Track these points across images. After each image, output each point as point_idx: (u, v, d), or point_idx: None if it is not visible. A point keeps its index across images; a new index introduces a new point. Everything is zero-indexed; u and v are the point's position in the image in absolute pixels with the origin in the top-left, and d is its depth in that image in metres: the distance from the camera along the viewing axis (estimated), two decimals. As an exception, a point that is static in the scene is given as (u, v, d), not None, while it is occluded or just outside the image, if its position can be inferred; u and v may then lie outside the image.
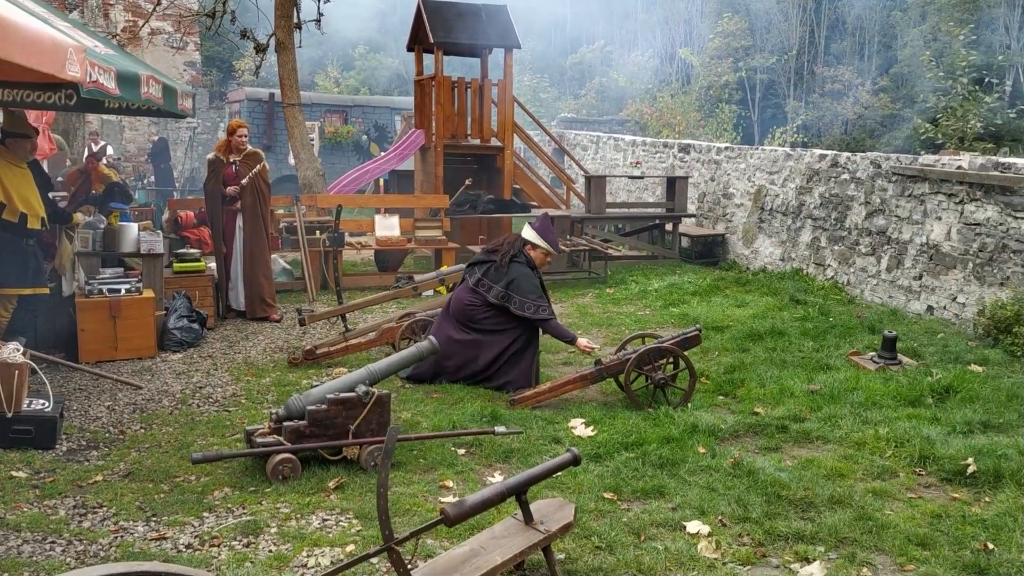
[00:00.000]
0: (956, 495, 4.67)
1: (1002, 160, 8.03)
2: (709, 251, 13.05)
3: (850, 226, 10.00)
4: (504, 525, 3.77)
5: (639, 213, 13.47)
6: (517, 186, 13.51)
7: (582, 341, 6.53)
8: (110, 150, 18.07)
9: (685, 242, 13.28)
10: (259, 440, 4.91)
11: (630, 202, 15.71)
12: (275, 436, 4.94)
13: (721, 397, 6.44)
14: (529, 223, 6.97)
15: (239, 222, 9.00)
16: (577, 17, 45.45)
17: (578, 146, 20.52)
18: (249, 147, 9.16)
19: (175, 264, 8.78)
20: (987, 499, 4.61)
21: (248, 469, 4.96)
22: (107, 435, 5.57)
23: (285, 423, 4.94)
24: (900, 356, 7.06)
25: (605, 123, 26.33)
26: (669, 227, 12.98)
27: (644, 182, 16.06)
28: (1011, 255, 7.63)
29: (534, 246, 6.73)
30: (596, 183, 12.86)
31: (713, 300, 9.66)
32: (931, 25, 30.87)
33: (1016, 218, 7.58)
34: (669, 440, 5.35)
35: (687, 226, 13.43)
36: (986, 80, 19.66)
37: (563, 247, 11.03)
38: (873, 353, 7.16)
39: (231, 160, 8.96)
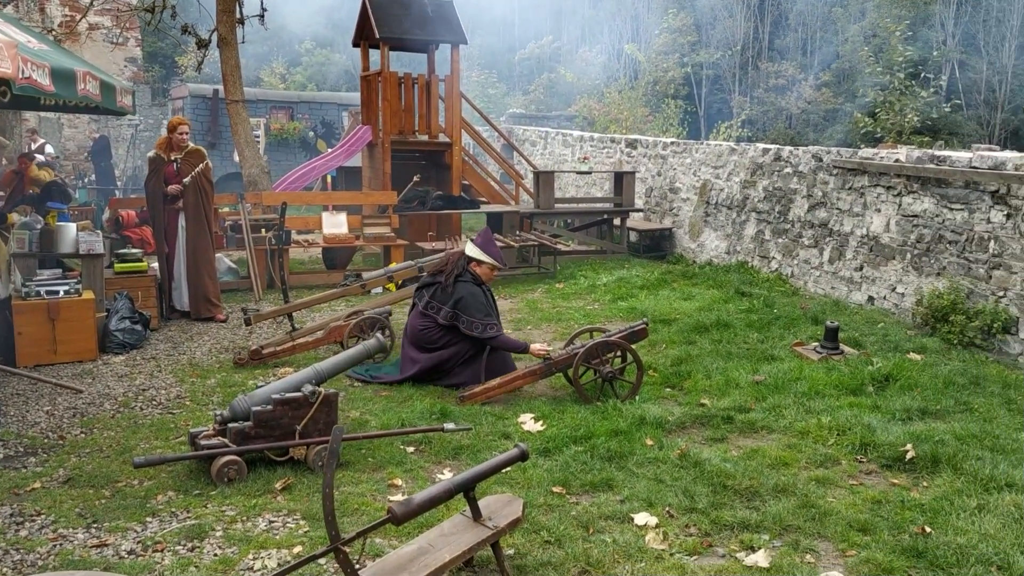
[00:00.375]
0: (896, 481, 4.79)
1: (937, 153, 8.23)
2: (657, 245, 13.18)
3: (793, 219, 10.18)
4: (452, 522, 3.77)
5: (587, 208, 13.54)
6: (466, 182, 13.49)
7: (535, 347, 6.51)
8: (49, 148, 17.62)
9: (633, 236, 13.40)
10: (204, 442, 4.83)
11: (579, 197, 15.79)
12: (220, 438, 4.87)
13: (668, 389, 6.50)
14: (471, 240, 6.95)
15: (181, 221, 8.84)
16: (525, 13, 45.49)
17: (527, 142, 20.56)
18: (191, 144, 8.99)
19: (116, 264, 8.60)
20: (925, 484, 4.74)
21: (193, 472, 4.88)
22: (46, 441, 5.44)
23: (230, 425, 4.87)
24: (842, 346, 7.21)
25: (554, 119, 26.40)
26: (617, 222, 13.08)
27: (592, 177, 16.15)
28: (947, 246, 7.83)
29: (479, 262, 6.72)
30: (545, 179, 12.90)
31: (660, 293, 9.75)
32: (871, 21, 31.54)
33: (951, 210, 7.78)
34: (617, 433, 5.39)
35: (635, 221, 13.54)
36: (922, 75, 20.14)
37: (512, 243, 11.05)
38: (816, 343, 7.30)
39: (172, 158, 8.80)
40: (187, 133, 8.93)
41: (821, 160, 9.75)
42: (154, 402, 6.23)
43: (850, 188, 9.20)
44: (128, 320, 7.77)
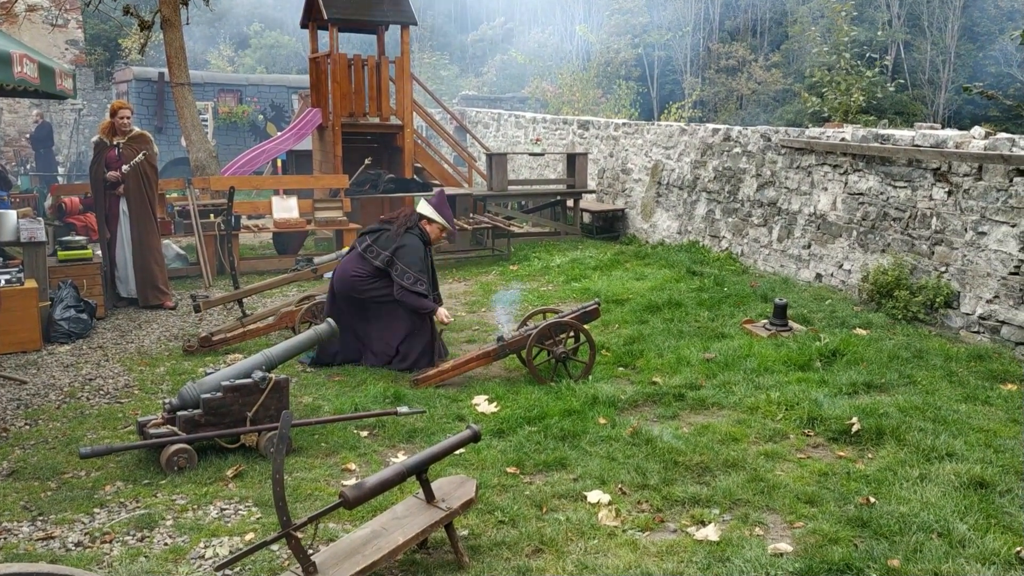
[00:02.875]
0: (842, 453, 4.89)
1: (882, 132, 8.38)
2: (609, 226, 13.25)
3: (743, 198, 10.30)
4: (406, 505, 3.77)
5: (541, 190, 13.55)
6: (418, 165, 13.40)
7: (441, 311, 6.55)
8: None
9: (586, 218, 13.44)
10: (152, 431, 4.76)
11: (532, 179, 15.77)
12: (169, 427, 4.80)
13: (621, 368, 6.56)
14: (425, 199, 6.98)
15: (123, 206, 8.65)
16: (477, -7, 45.20)
17: (480, 124, 20.48)
18: (136, 129, 8.80)
19: (60, 252, 8.40)
20: (870, 455, 4.85)
21: (142, 462, 4.81)
22: (-12, 433, 5.31)
23: (179, 413, 4.81)
24: (791, 323, 7.32)
25: (507, 101, 26.32)
26: (570, 203, 13.11)
27: (546, 159, 16.16)
28: (891, 223, 7.98)
29: (430, 220, 6.77)
30: (497, 161, 12.87)
31: (613, 274, 9.81)
32: (819, 2, 31.90)
33: (895, 187, 7.94)
34: (571, 412, 5.43)
35: (588, 202, 13.59)
36: (867, 55, 20.47)
37: (466, 225, 11.02)
38: (765, 321, 7.41)
39: (115, 143, 8.60)
40: (129, 117, 8.73)
41: (770, 140, 9.86)
42: (101, 392, 6.12)
43: (798, 167, 9.33)
44: (73, 309, 7.61)
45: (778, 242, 9.64)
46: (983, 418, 5.31)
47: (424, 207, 6.81)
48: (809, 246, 9.13)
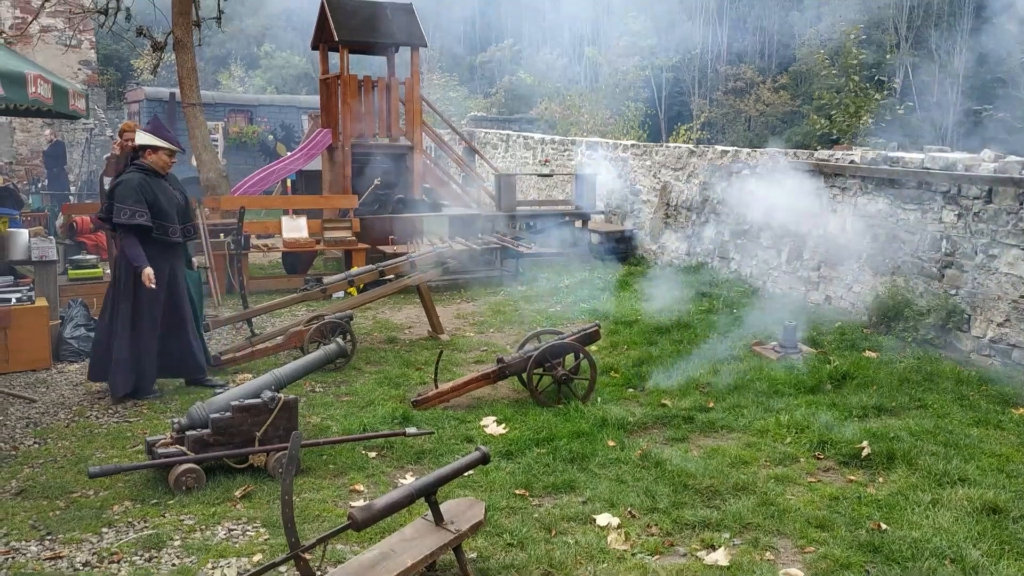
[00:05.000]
0: (852, 477, 4.86)
1: (891, 154, 8.38)
2: (618, 247, 13.24)
3: (752, 220, 10.29)
4: (414, 527, 3.75)
5: (549, 211, 13.57)
6: (427, 185, 13.46)
7: (147, 271, 6.01)
8: None
9: (595, 239, 13.44)
10: (161, 451, 4.76)
11: (540, 200, 15.81)
12: (177, 446, 4.80)
13: (630, 390, 6.54)
14: (141, 128, 6.43)
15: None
16: (486, 16, 45.53)
17: (488, 144, 20.55)
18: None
19: (71, 271, 8.45)
20: (881, 480, 4.81)
21: (150, 481, 4.80)
22: (-3, 452, 5.32)
23: (188, 432, 4.80)
24: (800, 345, 7.30)
25: (515, 121, 26.41)
26: (579, 224, 13.12)
27: (554, 180, 16.20)
28: (900, 245, 7.97)
29: (153, 149, 6.23)
30: (506, 181, 12.90)
31: (622, 295, 9.81)
32: (827, 24, 32.04)
33: (905, 210, 7.92)
34: (579, 435, 5.41)
35: (596, 223, 13.60)
36: (876, 78, 20.53)
37: (475, 245, 11.04)
38: (775, 343, 7.38)
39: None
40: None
41: (778, 162, 9.87)
42: (110, 411, 6.12)
43: (807, 189, 9.32)
44: (83, 328, 7.63)
45: (787, 264, 9.62)
46: (995, 442, 5.27)
47: (143, 136, 6.22)
48: (818, 268, 9.12)
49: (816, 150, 9.81)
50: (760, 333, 7.89)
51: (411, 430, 5.23)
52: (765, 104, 33.13)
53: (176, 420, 4.99)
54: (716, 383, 6.47)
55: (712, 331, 8.00)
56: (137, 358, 6.20)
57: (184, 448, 4.77)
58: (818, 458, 5.14)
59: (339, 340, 5.77)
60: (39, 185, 19.86)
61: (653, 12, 33.96)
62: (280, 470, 4.79)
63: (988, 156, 7.20)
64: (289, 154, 14.40)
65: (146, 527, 4.25)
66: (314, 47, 13.69)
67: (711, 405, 6.06)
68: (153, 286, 6.06)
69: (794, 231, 9.51)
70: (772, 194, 9.85)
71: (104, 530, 4.23)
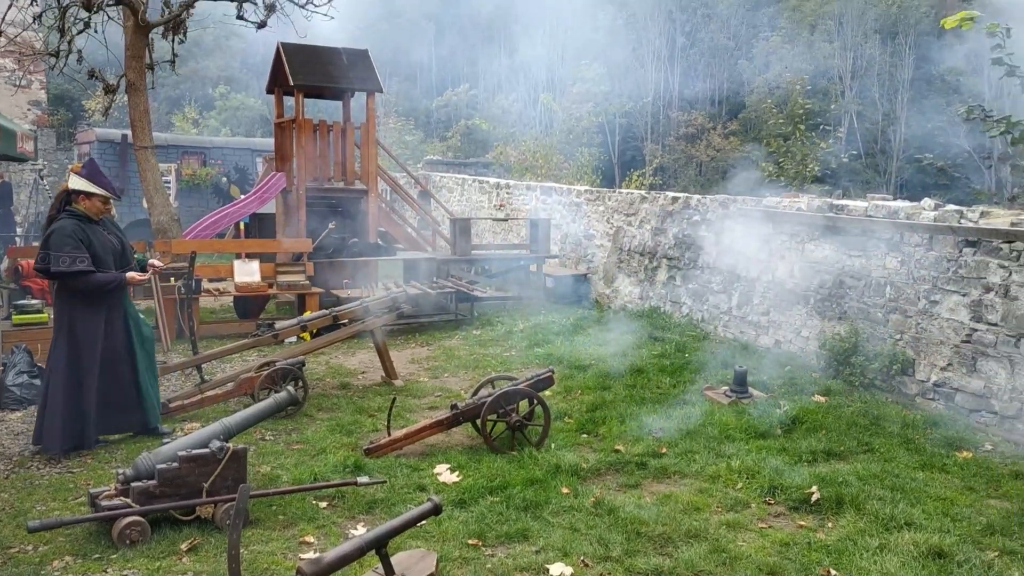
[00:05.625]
0: (803, 523, 4.91)
1: (836, 202, 8.61)
2: (572, 291, 13.33)
3: (703, 265, 10.46)
4: (365, 580, 3.70)
5: (504, 255, 13.64)
6: (383, 229, 13.46)
7: (131, 275, 6.09)
8: None
9: (549, 282, 13.53)
10: (104, 503, 4.64)
11: (495, 244, 15.89)
12: (122, 498, 4.68)
13: (584, 436, 6.55)
14: (75, 172, 6.18)
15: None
16: (442, 61, 46.02)
17: (444, 188, 20.65)
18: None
19: (15, 316, 8.26)
20: (830, 524, 4.87)
21: (92, 535, 4.67)
22: (-68, 505, 5.14)
23: (133, 484, 4.69)
24: (751, 389, 7.40)
25: (471, 165, 26.60)
26: (533, 268, 13.20)
27: (509, 224, 16.31)
28: (847, 291, 8.15)
29: (88, 195, 6.09)
30: (461, 225, 12.96)
31: (576, 339, 9.86)
32: (775, 73, 32.96)
33: (850, 256, 8.12)
34: (533, 482, 5.40)
35: (551, 267, 13.70)
36: (821, 126, 21.13)
37: (430, 290, 11.03)
38: (726, 387, 7.47)
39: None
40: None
41: (728, 208, 10.07)
42: (52, 461, 5.95)
43: (756, 235, 9.52)
44: (26, 374, 7.44)
45: (738, 308, 9.78)
46: (940, 486, 5.38)
47: (76, 181, 6.05)
48: (768, 313, 9.27)
49: (765, 196, 10.03)
50: (711, 377, 7.98)
51: (363, 479, 5.18)
52: (716, 149, 33.85)
53: (121, 471, 4.88)
54: (668, 428, 6.51)
55: (665, 375, 8.07)
56: (76, 410, 6.02)
57: (129, 500, 4.66)
58: (769, 503, 5.19)
59: (290, 388, 5.71)
60: (-17, 227, 19.43)
61: (607, 59, 34.63)
62: (228, 522, 4.70)
63: (928, 205, 7.44)
64: (243, 197, 14.32)
65: (87, 583, 4.13)
66: (269, 91, 13.70)
67: (663, 451, 6.09)
68: (147, 277, 6.07)
69: (744, 276, 9.68)
70: (722, 240, 10.04)
71: (43, 587, 4.10)
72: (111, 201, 6.27)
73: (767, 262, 9.32)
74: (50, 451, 5.99)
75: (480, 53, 43.01)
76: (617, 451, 6.09)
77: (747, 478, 5.49)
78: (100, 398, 6.11)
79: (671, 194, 11.53)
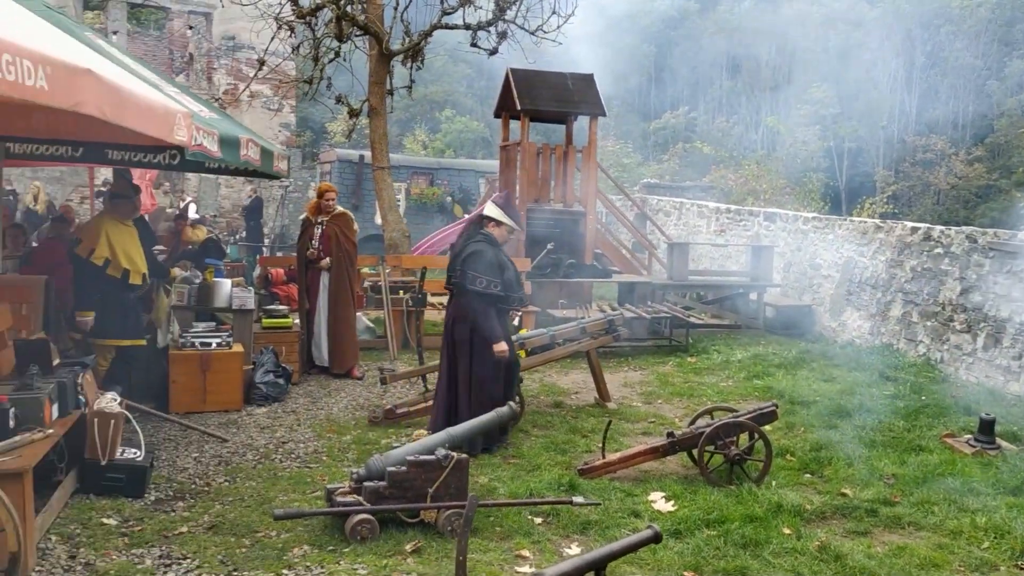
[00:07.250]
0: (1063, 594, 4.40)
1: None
2: (794, 322, 12.75)
3: (944, 301, 9.68)
4: (582, 601, 3.69)
5: (723, 281, 13.31)
6: (599, 251, 13.54)
7: (497, 347, 6.40)
8: (192, 209, 18.49)
9: (770, 312, 13.03)
10: (340, 499, 4.96)
11: (713, 270, 15.53)
12: (355, 496, 4.98)
13: (807, 475, 6.23)
14: (492, 200, 6.86)
15: (323, 280, 9.25)
16: (661, 84, 45.80)
17: (660, 212, 20.49)
18: (338, 208, 9.46)
19: (264, 320, 9.02)
20: (1097, 600, 4.33)
21: (327, 527, 5.00)
22: (193, 486, 5.70)
23: (365, 483, 4.98)
24: (999, 440, 6.74)
25: (689, 189, 26.21)
26: (753, 296, 12.78)
27: (728, 250, 15.90)
28: (1120, 338, 7.26)
29: (497, 223, 6.67)
30: (679, 249, 12.80)
31: (798, 373, 9.42)
32: (1029, 95, 30.10)
33: (1125, 299, 7.24)
34: (752, 519, 5.19)
35: (772, 296, 13.19)
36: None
37: (644, 314, 10.95)
38: (969, 436, 6.85)
39: (319, 220, 9.25)
40: (334, 199, 9.43)
41: (976, 241, 9.27)
42: (293, 455, 6.45)
43: (1008, 271, 8.70)
44: (272, 373, 8.11)
45: (983, 351, 8.96)
46: None
47: (491, 209, 6.70)
48: (1020, 357, 8.42)
49: (1020, 229, 9.15)
50: (951, 424, 7.36)
51: (578, 499, 5.20)
52: (957, 177, 31.32)
53: (354, 471, 5.19)
54: (902, 475, 6.06)
55: (898, 418, 7.53)
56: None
57: (361, 498, 4.94)
58: (1021, 568, 4.69)
59: (511, 403, 5.85)
60: (236, 237, 21.49)
61: (837, 80, 33.10)
62: (449, 527, 4.87)
63: None
64: (466, 216, 14.92)
65: (323, 572, 4.41)
66: (496, 115, 14.20)
67: (896, 499, 5.67)
68: (506, 355, 6.47)
69: (992, 315, 8.86)
70: (967, 276, 9.26)
71: (284, 571, 4.42)
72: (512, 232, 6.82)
73: (1021, 301, 8.48)
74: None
75: (701, 75, 42.46)
76: (844, 495, 5.73)
77: (995, 537, 5.00)
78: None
79: (910, 224, 10.78)
